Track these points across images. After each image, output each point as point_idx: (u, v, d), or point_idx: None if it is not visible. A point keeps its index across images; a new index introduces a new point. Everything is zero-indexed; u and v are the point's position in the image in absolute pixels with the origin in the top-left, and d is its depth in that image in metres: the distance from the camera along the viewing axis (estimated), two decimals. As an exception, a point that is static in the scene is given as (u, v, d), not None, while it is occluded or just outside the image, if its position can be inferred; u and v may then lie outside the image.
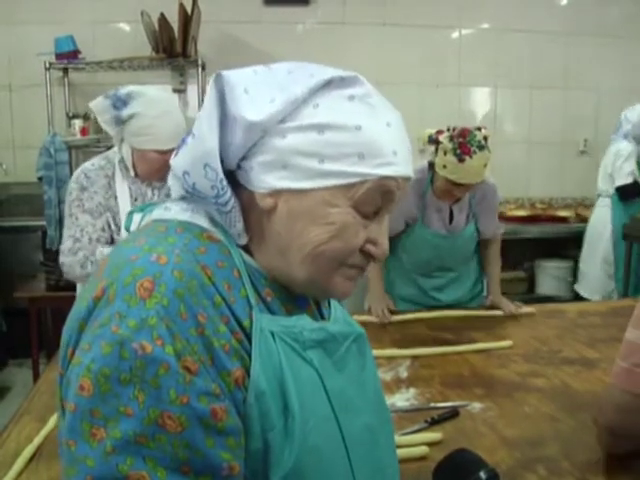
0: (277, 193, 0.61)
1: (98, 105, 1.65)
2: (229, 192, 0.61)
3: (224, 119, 0.60)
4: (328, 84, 0.61)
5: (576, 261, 3.90)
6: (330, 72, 0.61)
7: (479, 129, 1.84)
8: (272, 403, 0.58)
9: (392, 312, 2.00)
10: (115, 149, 1.77)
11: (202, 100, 3.65)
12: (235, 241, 0.64)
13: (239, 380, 0.56)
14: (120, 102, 1.63)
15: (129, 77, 3.44)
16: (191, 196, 0.64)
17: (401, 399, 1.40)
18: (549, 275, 3.92)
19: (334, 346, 0.68)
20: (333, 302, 0.77)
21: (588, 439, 1.15)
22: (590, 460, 1.12)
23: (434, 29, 4.02)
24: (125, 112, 1.63)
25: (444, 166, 1.82)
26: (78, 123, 3.50)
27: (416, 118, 3.70)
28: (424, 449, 1.15)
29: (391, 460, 0.77)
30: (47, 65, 3.40)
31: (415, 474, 1.09)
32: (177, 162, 0.63)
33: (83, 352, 0.53)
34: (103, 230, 1.72)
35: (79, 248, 1.70)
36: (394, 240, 2.04)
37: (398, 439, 1.19)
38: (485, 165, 1.80)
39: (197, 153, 0.60)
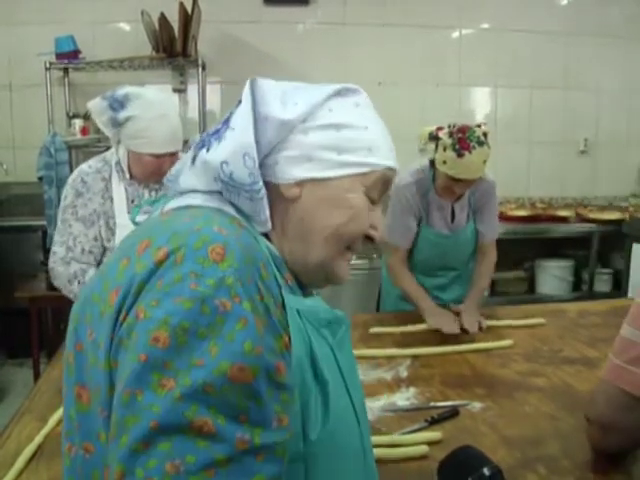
0: (302, 183, 0.71)
1: (96, 106, 1.64)
2: (261, 180, 0.68)
3: (254, 119, 0.68)
4: (338, 93, 0.73)
5: (576, 261, 3.91)
6: (338, 85, 0.73)
7: (479, 126, 1.84)
8: (307, 370, 0.65)
9: (454, 312, 1.93)
10: (113, 150, 1.77)
11: (202, 99, 3.66)
12: (259, 229, 0.71)
13: (287, 345, 0.62)
14: (117, 104, 1.62)
15: (129, 77, 3.44)
16: (225, 186, 0.69)
17: (401, 398, 1.40)
18: (549, 275, 3.91)
19: (337, 328, 0.75)
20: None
21: (588, 438, 1.15)
22: (590, 459, 1.12)
23: (434, 29, 4.02)
24: (122, 114, 1.62)
25: (444, 162, 1.83)
26: (78, 123, 3.50)
27: (416, 118, 3.71)
28: (424, 448, 1.15)
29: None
30: (47, 65, 3.40)
31: (416, 473, 1.09)
32: (213, 155, 0.69)
33: (151, 308, 0.56)
34: (95, 239, 1.75)
35: (72, 258, 1.74)
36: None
37: (399, 438, 1.19)
38: (485, 161, 1.80)
39: (237, 143, 0.68)
